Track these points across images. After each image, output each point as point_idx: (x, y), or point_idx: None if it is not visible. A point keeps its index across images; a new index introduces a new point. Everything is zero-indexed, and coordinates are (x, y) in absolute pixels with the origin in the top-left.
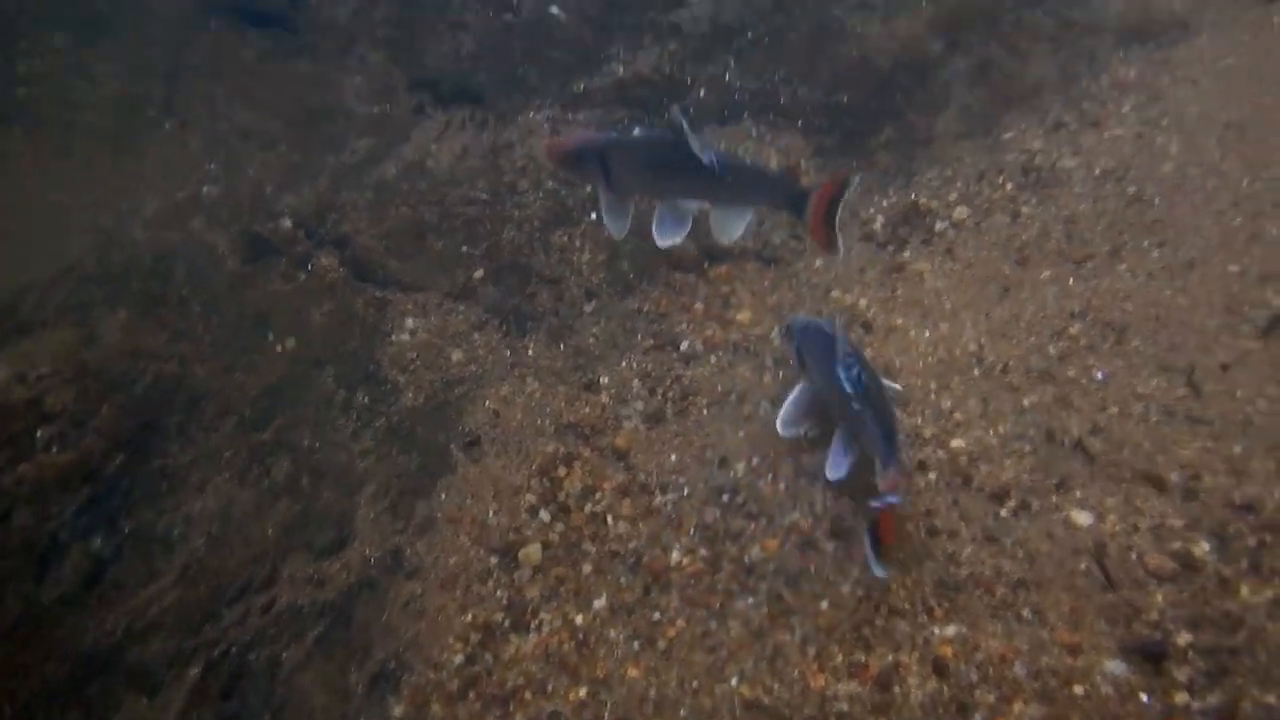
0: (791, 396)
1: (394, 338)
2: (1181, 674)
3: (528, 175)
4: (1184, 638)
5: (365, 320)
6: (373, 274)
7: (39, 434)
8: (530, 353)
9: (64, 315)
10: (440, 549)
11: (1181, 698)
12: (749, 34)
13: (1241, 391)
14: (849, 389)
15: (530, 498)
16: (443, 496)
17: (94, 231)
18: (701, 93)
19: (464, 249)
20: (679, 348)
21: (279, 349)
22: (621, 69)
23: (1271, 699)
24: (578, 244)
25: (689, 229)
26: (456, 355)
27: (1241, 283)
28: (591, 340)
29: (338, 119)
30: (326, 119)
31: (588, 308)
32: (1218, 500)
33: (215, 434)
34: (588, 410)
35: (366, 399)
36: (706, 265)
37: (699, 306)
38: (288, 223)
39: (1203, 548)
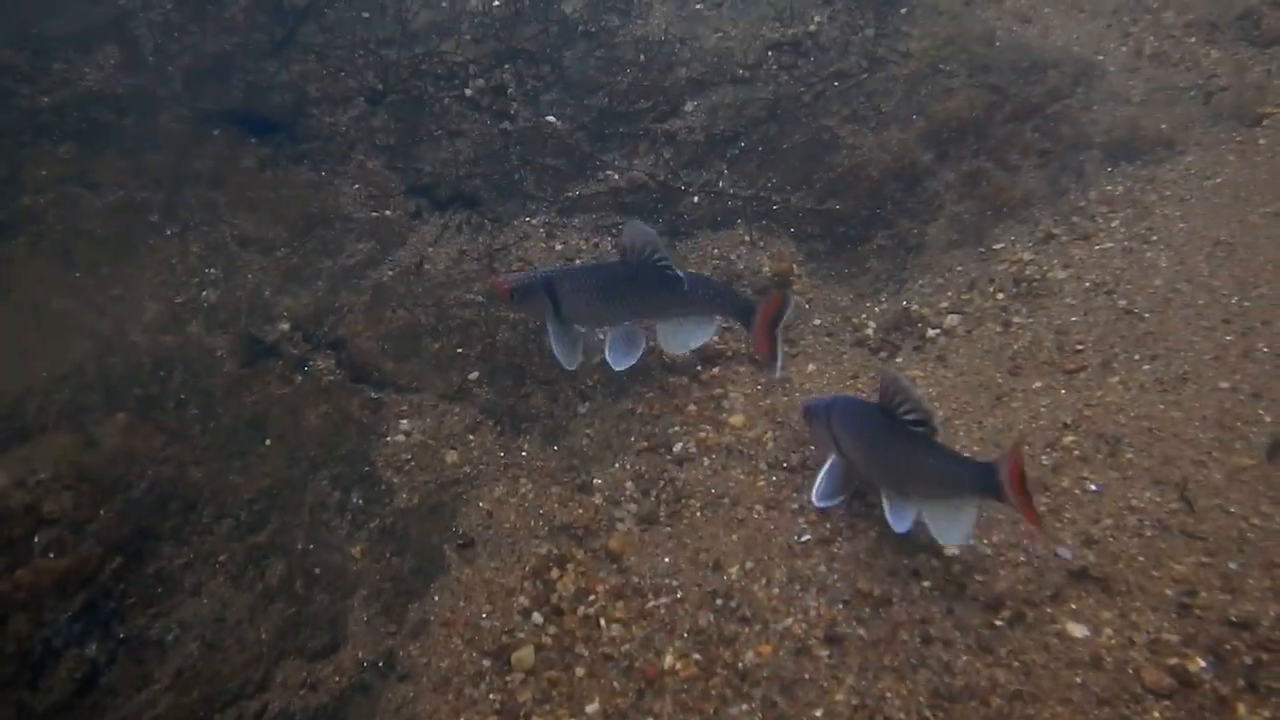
0: (825, 471)
1: (389, 439)
2: None
3: None
4: None
5: (361, 422)
6: (369, 376)
7: (36, 539)
8: (524, 453)
9: (64, 420)
10: (433, 652)
11: None
12: (742, 142)
13: (1236, 508)
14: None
15: (523, 600)
16: (436, 598)
17: (94, 337)
18: (695, 199)
19: (459, 350)
20: (672, 450)
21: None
22: (616, 176)
23: None
24: None
25: (644, 349)
26: (451, 456)
27: (1234, 399)
28: (585, 442)
29: (335, 224)
30: (325, 224)
31: (582, 409)
32: (1214, 617)
33: (211, 537)
34: (581, 512)
35: (361, 500)
36: (699, 368)
37: (692, 409)
38: (285, 326)
39: (1199, 664)
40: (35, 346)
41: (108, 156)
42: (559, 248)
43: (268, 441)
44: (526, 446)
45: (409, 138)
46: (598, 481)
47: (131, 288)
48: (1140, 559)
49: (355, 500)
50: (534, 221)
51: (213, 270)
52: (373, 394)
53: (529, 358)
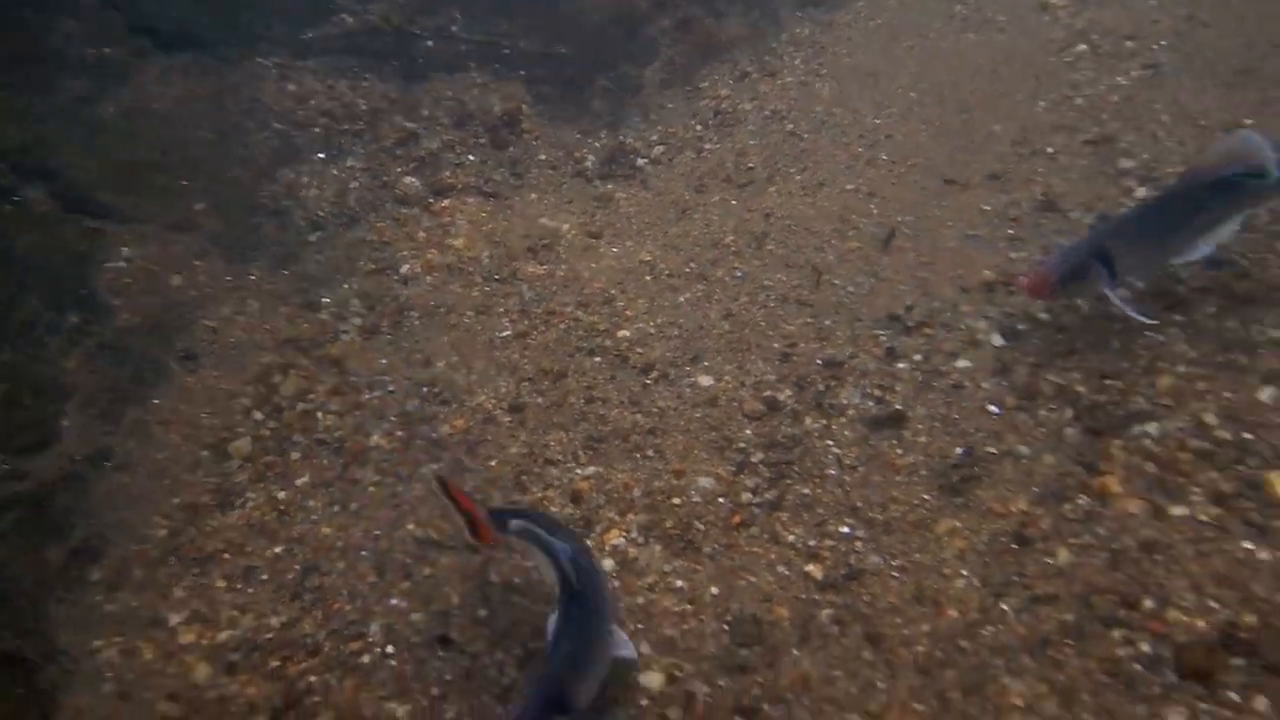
0: (1127, 307)
1: (109, 265)
2: (750, 481)
3: (254, 117)
4: (758, 456)
5: (77, 249)
6: (85, 207)
7: None
8: (253, 278)
9: None
10: (150, 446)
11: (746, 496)
12: None
13: (839, 280)
14: None
15: (245, 401)
16: (156, 402)
17: None
18: (429, 43)
19: (184, 183)
20: (399, 271)
21: None
22: (350, 19)
23: (807, 490)
24: (305, 180)
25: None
26: (176, 280)
27: (855, 198)
28: (314, 266)
29: (48, 62)
30: (35, 61)
31: (312, 237)
32: (805, 360)
33: None
34: (307, 326)
35: (77, 320)
36: (431, 200)
37: (421, 235)
38: None
39: (786, 394)
40: None
41: None
42: (292, 88)
43: None
44: (255, 272)
45: None
46: (325, 300)
47: None
48: (762, 324)
49: (71, 320)
50: (266, 63)
51: None
52: (91, 224)
53: (259, 191)
